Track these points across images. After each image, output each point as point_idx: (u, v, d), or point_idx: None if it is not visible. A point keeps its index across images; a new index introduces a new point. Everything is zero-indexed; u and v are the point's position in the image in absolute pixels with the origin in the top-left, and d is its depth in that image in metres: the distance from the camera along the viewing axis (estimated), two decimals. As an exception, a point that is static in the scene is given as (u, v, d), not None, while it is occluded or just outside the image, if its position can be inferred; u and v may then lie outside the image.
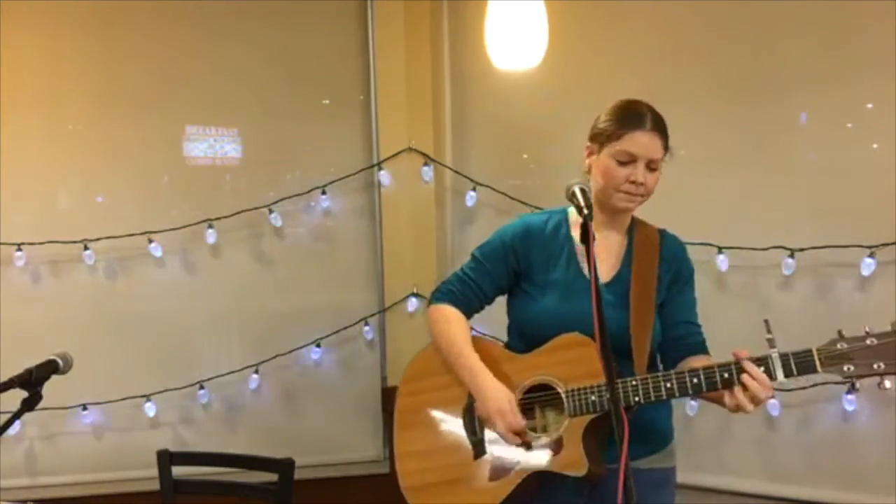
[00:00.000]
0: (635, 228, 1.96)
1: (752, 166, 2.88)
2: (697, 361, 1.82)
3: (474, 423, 1.91)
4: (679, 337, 1.91)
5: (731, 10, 2.88)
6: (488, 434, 1.89)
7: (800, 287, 2.81)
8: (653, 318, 1.86)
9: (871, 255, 2.64)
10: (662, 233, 1.98)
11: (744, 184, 2.89)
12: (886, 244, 2.62)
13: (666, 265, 1.92)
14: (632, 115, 1.84)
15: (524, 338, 1.93)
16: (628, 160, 1.82)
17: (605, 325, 1.54)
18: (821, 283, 2.78)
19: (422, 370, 2.03)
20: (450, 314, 1.99)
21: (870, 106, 2.74)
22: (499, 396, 1.83)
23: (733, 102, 2.90)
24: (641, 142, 1.82)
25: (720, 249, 2.86)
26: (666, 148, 1.85)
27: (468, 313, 2.02)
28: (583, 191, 1.72)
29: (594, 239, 1.65)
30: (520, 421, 1.81)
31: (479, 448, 1.89)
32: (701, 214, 2.91)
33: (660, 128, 1.84)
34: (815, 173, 2.82)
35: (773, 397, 1.68)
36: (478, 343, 1.97)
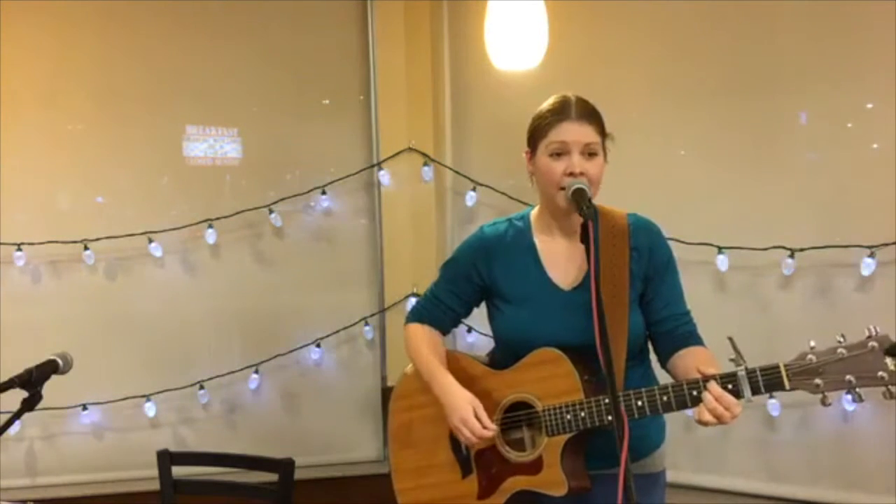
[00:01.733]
0: (599, 220, 1.83)
1: (752, 166, 2.88)
2: (688, 361, 1.78)
3: (460, 441, 1.90)
4: (667, 331, 1.84)
5: (731, 11, 2.88)
6: (474, 452, 1.89)
7: (800, 287, 2.81)
8: (627, 319, 1.79)
9: (871, 255, 2.64)
10: (631, 218, 1.87)
11: (744, 184, 2.89)
12: (886, 244, 2.62)
13: (637, 254, 1.83)
14: (556, 108, 1.80)
15: (505, 350, 1.91)
16: (562, 151, 1.77)
17: (605, 330, 1.53)
18: (821, 283, 2.78)
19: (410, 388, 2.03)
20: (419, 332, 2.00)
21: (870, 106, 2.74)
22: (461, 405, 1.82)
23: (733, 102, 2.90)
24: (569, 129, 1.77)
25: (720, 249, 2.86)
26: (602, 134, 1.80)
27: (443, 331, 2.03)
28: (582, 191, 1.71)
29: (594, 240, 1.64)
30: (487, 425, 1.80)
31: (466, 466, 1.90)
32: (701, 214, 2.91)
33: (587, 115, 1.79)
34: (815, 173, 2.82)
35: (737, 416, 1.60)
36: (458, 361, 1.97)
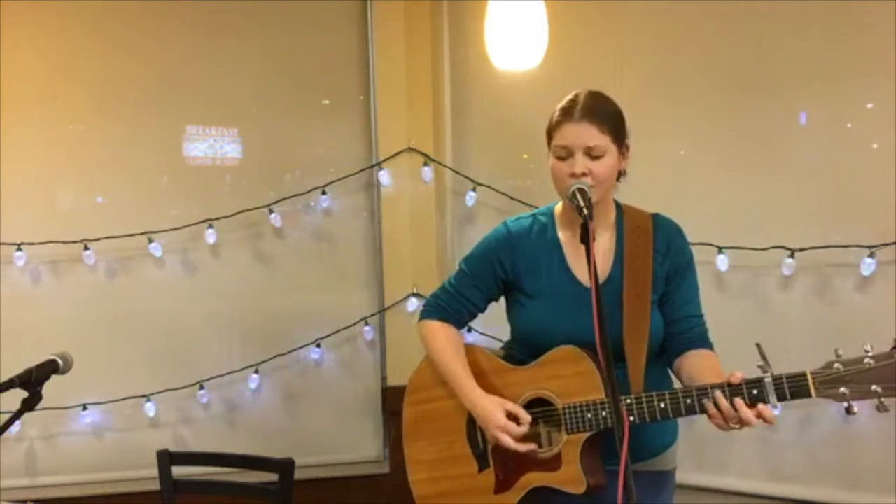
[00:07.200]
0: (624, 219, 1.88)
1: (752, 166, 2.88)
2: (695, 364, 1.79)
3: (477, 435, 1.91)
4: (679, 332, 1.85)
5: (732, 11, 2.88)
6: (491, 446, 1.89)
7: (800, 287, 2.80)
8: (649, 319, 1.80)
9: (871, 255, 2.64)
10: (655, 218, 1.89)
11: (744, 184, 2.89)
12: (886, 244, 2.62)
13: (661, 257, 1.85)
14: (563, 108, 1.79)
15: (523, 346, 1.91)
16: (566, 154, 1.77)
17: (605, 330, 1.53)
18: (821, 283, 2.77)
19: (425, 380, 2.02)
20: (439, 330, 1.98)
21: (870, 106, 2.74)
22: (493, 411, 1.82)
23: (733, 102, 2.90)
24: (572, 132, 1.76)
25: (720, 249, 2.86)
26: (610, 132, 1.76)
27: (459, 325, 2.02)
28: (582, 191, 1.71)
29: (594, 239, 1.64)
30: (524, 420, 1.79)
31: (482, 461, 1.90)
32: (701, 214, 2.90)
33: (592, 115, 1.76)
34: (814, 173, 2.82)
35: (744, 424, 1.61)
36: (474, 355, 1.96)
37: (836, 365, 1.54)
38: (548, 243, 1.90)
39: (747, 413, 1.58)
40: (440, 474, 1.97)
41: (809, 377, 1.55)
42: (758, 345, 1.59)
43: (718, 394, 1.61)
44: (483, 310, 2.02)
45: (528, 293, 1.89)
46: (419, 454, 2.01)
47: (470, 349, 1.98)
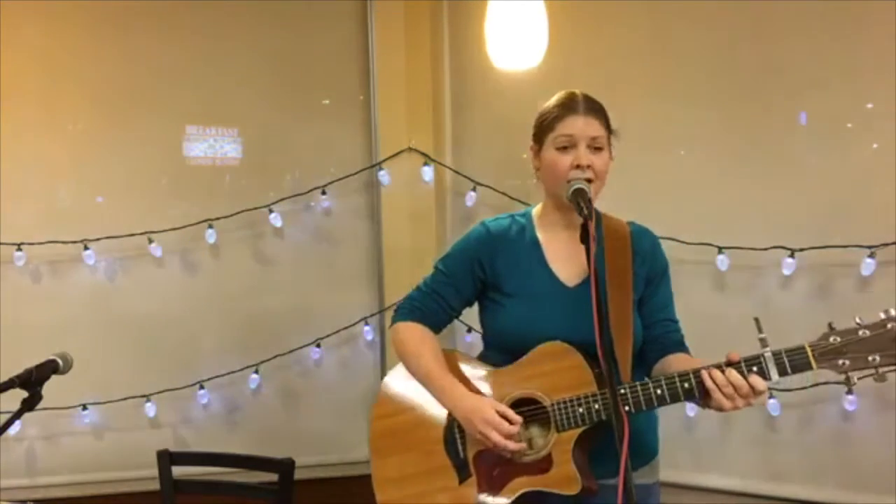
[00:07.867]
0: (602, 223, 1.87)
1: (752, 166, 2.88)
2: (678, 362, 1.77)
3: (457, 443, 1.82)
4: (656, 337, 1.84)
5: (732, 11, 2.88)
6: (472, 454, 1.81)
7: (800, 287, 2.81)
8: (632, 318, 1.79)
9: (871, 255, 2.64)
10: (632, 225, 1.90)
11: (744, 184, 2.89)
12: (886, 244, 2.62)
13: (640, 259, 1.85)
14: (564, 102, 1.82)
15: (501, 349, 1.86)
16: (568, 144, 1.78)
17: (605, 328, 1.53)
18: (821, 283, 2.78)
19: (396, 391, 1.94)
20: (414, 332, 1.91)
21: (870, 106, 2.74)
22: (480, 408, 1.74)
23: (733, 102, 2.90)
24: (576, 123, 1.78)
25: (720, 249, 2.86)
26: (608, 129, 1.82)
27: (436, 328, 1.95)
28: (582, 191, 1.72)
29: (594, 239, 1.64)
30: (515, 420, 1.72)
31: (463, 470, 1.81)
32: (701, 214, 2.91)
33: (594, 110, 1.81)
34: (815, 173, 2.82)
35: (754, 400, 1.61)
36: (452, 359, 1.90)
37: (832, 337, 1.57)
38: (527, 243, 1.89)
39: (738, 378, 1.58)
40: (414, 491, 1.84)
41: (808, 349, 1.57)
42: (756, 319, 1.60)
43: (715, 370, 1.61)
44: (459, 312, 1.97)
45: (508, 293, 1.86)
46: (389, 472, 1.88)
47: (447, 354, 1.91)
